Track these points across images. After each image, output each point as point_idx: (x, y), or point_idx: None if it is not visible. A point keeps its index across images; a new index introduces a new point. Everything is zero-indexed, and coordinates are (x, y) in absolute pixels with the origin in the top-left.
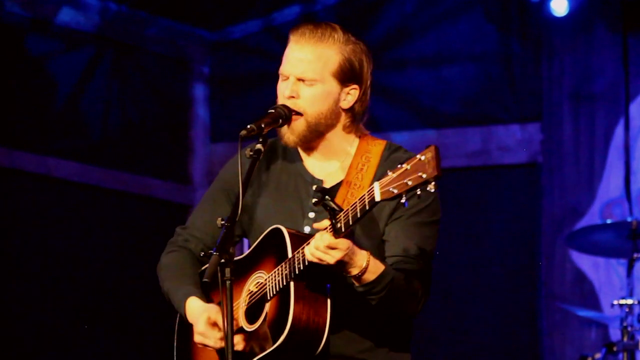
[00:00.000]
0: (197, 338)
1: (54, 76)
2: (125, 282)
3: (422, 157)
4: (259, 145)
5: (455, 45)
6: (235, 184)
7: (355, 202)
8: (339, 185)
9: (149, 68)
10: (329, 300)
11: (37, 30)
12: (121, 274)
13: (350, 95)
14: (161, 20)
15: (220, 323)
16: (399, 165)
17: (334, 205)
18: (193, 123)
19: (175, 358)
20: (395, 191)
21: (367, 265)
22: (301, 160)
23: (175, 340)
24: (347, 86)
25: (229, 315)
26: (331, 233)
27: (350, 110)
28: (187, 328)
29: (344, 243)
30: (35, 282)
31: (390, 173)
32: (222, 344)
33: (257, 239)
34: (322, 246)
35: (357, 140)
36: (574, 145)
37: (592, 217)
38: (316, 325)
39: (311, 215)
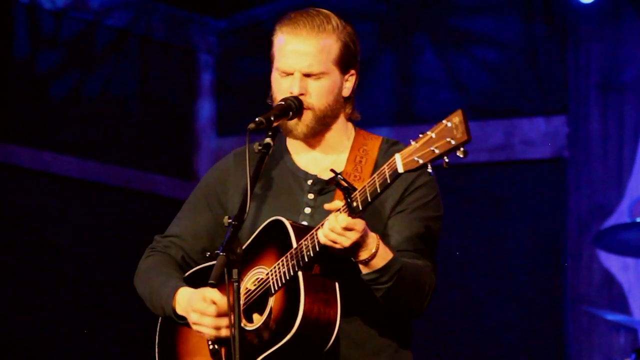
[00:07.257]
0: (194, 317)
1: (50, 68)
2: (128, 282)
3: (449, 123)
4: (268, 139)
5: (476, 34)
6: (219, 190)
7: (374, 177)
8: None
9: (152, 57)
10: (338, 290)
11: (27, 20)
12: (123, 274)
13: (349, 82)
14: (164, 7)
15: (218, 300)
16: (421, 135)
17: (347, 184)
18: (198, 116)
19: None
20: (421, 161)
21: (377, 249)
22: (291, 157)
23: (156, 350)
24: (347, 73)
25: (237, 319)
26: (346, 213)
27: (349, 98)
28: (170, 334)
29: (360, 223)
30: (33, 281)
31: (413, 142)
32: (219, 323)
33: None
34: (339, 227)
35: (353, 134)
36: (601, 139)
37: (620, 215)
38: (327, 317)
39: (307, 210)
